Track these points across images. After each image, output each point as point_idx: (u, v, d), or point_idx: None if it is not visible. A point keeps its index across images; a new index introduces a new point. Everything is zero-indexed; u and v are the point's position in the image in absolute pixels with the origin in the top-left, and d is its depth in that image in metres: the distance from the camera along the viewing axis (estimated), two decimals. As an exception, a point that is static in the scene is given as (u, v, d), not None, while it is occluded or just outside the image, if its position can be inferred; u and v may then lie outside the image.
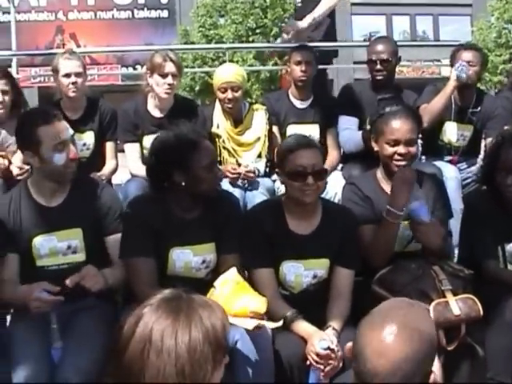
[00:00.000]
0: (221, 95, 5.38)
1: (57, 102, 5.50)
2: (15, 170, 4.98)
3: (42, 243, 3.77)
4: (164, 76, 5.18)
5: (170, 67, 5.18)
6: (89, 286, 3.53)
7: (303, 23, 6.41)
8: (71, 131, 3.76)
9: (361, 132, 5.33)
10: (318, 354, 3.41)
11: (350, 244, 3.92)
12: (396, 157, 4.05)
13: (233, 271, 3.34)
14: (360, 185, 4.23)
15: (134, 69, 18.79)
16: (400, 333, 2.01)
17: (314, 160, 3.79)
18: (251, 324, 3.25)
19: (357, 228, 4.00)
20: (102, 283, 3.59)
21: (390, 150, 4.07)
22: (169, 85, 5.18)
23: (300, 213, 3.89)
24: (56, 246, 3.78)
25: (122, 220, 3.87)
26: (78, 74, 5.28)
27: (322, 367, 3.40)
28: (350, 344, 2.13)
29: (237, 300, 3.28)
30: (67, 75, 5.27)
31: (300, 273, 3.85)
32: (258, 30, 19.26)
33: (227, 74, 5.42)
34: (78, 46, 18.69)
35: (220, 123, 5.45)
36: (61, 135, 3.71)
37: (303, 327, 3.59)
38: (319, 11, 6.38)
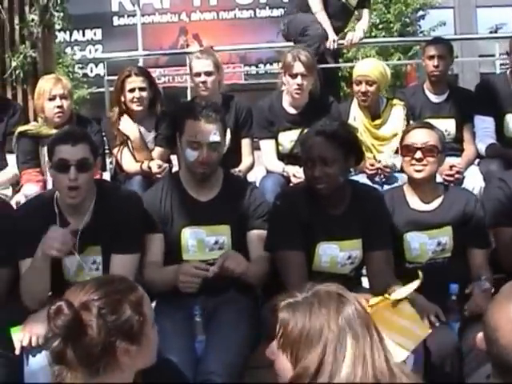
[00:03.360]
0: (355, 88, 5.38)
1: (192, 100, 5.60)
2: (154, 168, 5.07)
3: (191, 235, 3.82)
4: (293, 76, 5.21)
5: (298, 67, 5.18)
6: (232, 267, 3.55)
7: (360, 34, 6.71)
8: (216, 138, 3.74)
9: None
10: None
11: (476, 225, 4.02)
12: None
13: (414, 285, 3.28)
14: (509, 181, 4.16)
15: (257, 67, 18.95)
16: None
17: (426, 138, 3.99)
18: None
19: (476, 209, 4.06)
20: (244, 266, 3.60)
21: None
22: (298, 85, 5.20)
23: (419, 192, 4.06)
24: (204, 240, 3.82)
25: (270, 214, 3.88)
26: (208, 73, 5.34)
27: None
28: (480, 334, 2.09)
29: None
30: (197, 74, 5.37)
31: (424, 241, 3.97)
32: (380, 26, 19.11)
33: (364, 67, 5.43)
34: (201, 46, 18.88)
35: (357, 116, 5.44)
36: (198, 135, 3.75)
37: None
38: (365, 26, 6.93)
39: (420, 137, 4.00)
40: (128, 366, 2.19)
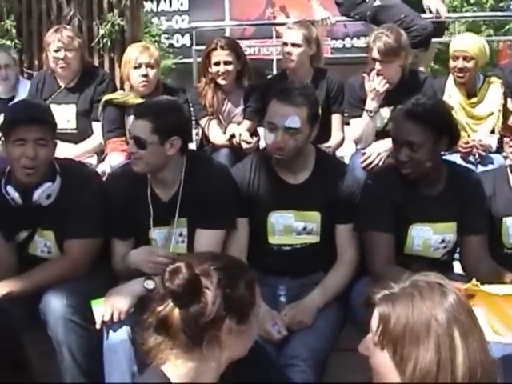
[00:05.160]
0: (452, 63, 5.21)
1: (283, 71, 5.51)
2: (243, 144, 4.98)
3: (279, 219, 3.71)
4: (371, 59, 4.95)
5: (374, 52, 4.88)
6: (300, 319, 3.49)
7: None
8: (293, 124, 3.55)
9: None
10: None
11: None
12: None
13: None
14: None
15: (343, 41, 18.71)
16: None
17: None
18: None
19: None
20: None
21: None
22: (376, 69, 4.93)
23: None
24: (292, 225, 3.71)
25: (361, 193, 3.73)
26: (294, 45, 5.24)
27: None
28: None
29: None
30: (285, 44, 5.31)
31: None
32: (472, 1, 18.65)
33: (462, 42, 5.26)
34: (288, 18, 18.75)
35: (452, 94, 5.25)
36: (275, 117, 3.59)
37: None
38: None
39: None
40: (227, 347, 2.09)
